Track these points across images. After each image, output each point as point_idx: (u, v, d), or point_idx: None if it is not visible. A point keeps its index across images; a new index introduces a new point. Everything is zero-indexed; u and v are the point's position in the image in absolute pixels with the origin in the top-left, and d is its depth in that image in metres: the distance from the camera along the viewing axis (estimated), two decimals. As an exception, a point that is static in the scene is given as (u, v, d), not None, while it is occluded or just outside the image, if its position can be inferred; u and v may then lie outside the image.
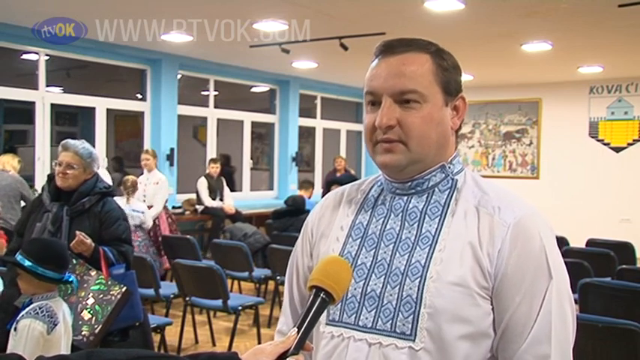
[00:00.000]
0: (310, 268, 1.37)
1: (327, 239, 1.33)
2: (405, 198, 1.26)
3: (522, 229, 1.16)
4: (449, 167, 1.26)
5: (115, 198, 3.53)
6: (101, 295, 3.01)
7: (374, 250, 1.24)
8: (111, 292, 3.03)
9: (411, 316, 1.16)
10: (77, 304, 2.97)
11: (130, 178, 6.25)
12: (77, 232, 3.06)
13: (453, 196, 1.24)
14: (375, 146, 1.24)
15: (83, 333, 2.90)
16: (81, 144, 3.25)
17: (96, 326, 2.94)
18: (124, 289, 3.04)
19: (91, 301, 2.98)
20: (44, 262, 2.59)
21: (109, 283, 3.05)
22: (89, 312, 2.97)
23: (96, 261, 3.10)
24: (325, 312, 1.21)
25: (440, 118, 1.23)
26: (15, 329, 2.52)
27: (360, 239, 1.27)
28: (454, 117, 1.27)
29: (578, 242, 6.40)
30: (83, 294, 2.99)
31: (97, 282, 3.04)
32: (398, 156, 1.21)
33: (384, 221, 1.27)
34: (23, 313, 2.56)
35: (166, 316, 5.14)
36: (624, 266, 4.97)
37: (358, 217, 1.31)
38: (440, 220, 1.21)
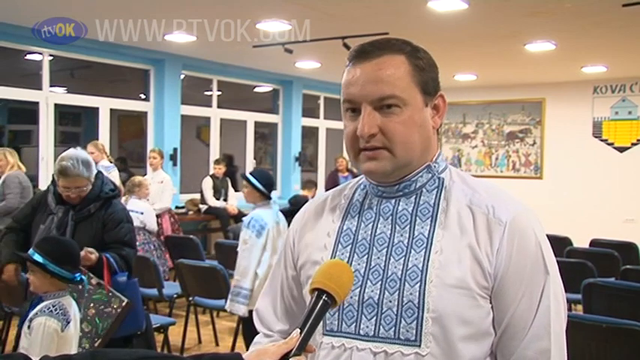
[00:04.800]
0: (294, 277, 1.34)
1: (312, 247, 1.30)
2: (393, 201, 1.24)
3: (518, 226, 1.17)
4: (434, 166, 1.25)
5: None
6: (102, 307, 2.99)
7: (366, 256, 1.22)
8: (112, 305, 2.99)
9: (415, 322, 1.14)
10: None
11: (137, 178, 6.24)
12: (85, 249, 3.02)
13: (442, 195, 1.22)
14: (359, 155, 1.22)
15: (83, 346, 2.88)
16: (75, 160, 3.11)
17: (96, 339, 2.93)
18: (124, 303, 3.00)
19: (92, 311, 2.97)
20: (60, 261, 2.63)
21: (110, 294, 3.02)
22: (89, 324, 2.95)
23: (99, 268, 3.09)
24: (321, 322, 1.21)
25: (421, 119, 1.21)
26: (29, 327, 2.55)
27: (350, 246, 1.24)
28: (435, 116, 1.25)
29: (581, 242, 6.39)
30: (84, 303, 2.97)
31: (97, 292, 3.02)
32: (383, 162, 1.20)
33: (373, 226, 1.24)
34: (36, 311, 2.58)
35: (169, 316, 5.14)
36: (628, 266, 4.95)
37: (345, 222, 1.28)
38: (431, 221, 1.20)
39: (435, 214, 1.20)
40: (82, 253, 3.00)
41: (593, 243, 6.36)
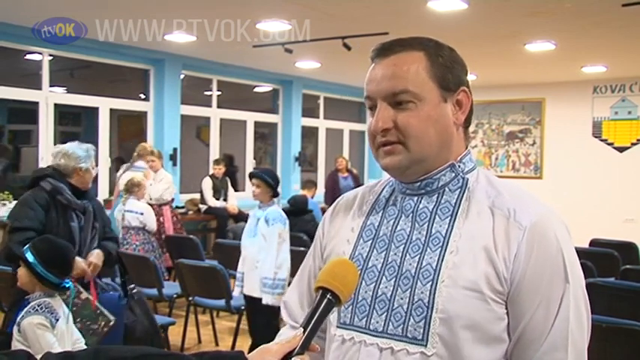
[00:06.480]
0: (321, 269, 1.37)
1: (337, 241, 1.31)
2: (416, 198, 1.24)
3: (539, 231, 1.13)
4: (459, 166, 1.23)
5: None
6: (89, 323, 3.03)
7: (385, 252, 1.22)
8: (99, 323, 3.04)
9: (423, 321, 1.13)
10: None
11: (136, 178, 6.19)
12: (93, 263, 3.17)
13: (464, 195, 1.21)
14: (378, 150, 1.23)
15: None
16: None
17: None
18: (111, 323, 3.06)
19: (79, 325, 2.96)
20: (49, 263, 2.60)
21: (98, 312, 3.07)
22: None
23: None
24: (336, 314, 1.20)
25: (438, 115, 1.20)
26: (19, 331, 2.53)
27: (371, 241, 1.25)
28: (457, 112, 1.23)
29: (581, 242, 6.37)
30: (74, 315, 2.97)
31: (85, 307, 3.06)
32: (398, 157, 1.20)
33: (394, 222, 1.24)
34: (22, 313, 2.57)
35: (169, 316, 5.15)
36: (628, 266, 4.96)
37: (369, 218, 1.29)
38: (450, 220, 1.18)
39: (455, 213, 1.19)
40: (90, 267, 3.10)
41: (593, 243, 6.36)
